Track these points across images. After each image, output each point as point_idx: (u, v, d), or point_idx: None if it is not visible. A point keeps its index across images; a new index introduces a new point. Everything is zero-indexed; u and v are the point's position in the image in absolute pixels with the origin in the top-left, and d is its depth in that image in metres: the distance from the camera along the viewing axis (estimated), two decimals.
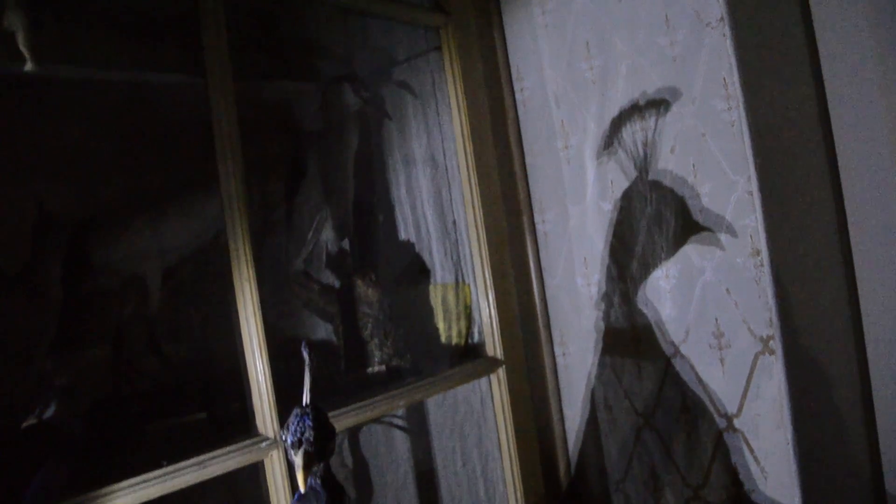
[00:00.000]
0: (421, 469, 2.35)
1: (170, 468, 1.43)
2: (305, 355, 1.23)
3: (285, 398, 1.60)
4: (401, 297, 2.25)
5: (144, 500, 1.41)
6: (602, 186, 2.13)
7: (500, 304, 2.10)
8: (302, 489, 1.18)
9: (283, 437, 1.21)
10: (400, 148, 2.31)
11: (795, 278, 1.90)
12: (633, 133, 2.06)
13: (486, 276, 2.09)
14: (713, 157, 1.92)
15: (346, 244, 2.18)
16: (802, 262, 1.92)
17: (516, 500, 2.19)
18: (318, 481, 1.21)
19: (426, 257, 2.29)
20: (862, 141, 1.92)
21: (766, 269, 1.86)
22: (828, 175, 1.97)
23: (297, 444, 1.18)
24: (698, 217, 1.97)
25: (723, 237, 1.93)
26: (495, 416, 2.16)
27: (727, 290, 1.94)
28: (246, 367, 1.59)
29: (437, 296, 2.24)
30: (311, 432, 1.19)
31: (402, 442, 2.40)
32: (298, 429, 1.19)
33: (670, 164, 2.00)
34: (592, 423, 2.23)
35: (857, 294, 1.98)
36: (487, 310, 2.09)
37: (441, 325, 2.22)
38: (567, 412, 2.28)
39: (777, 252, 1.86)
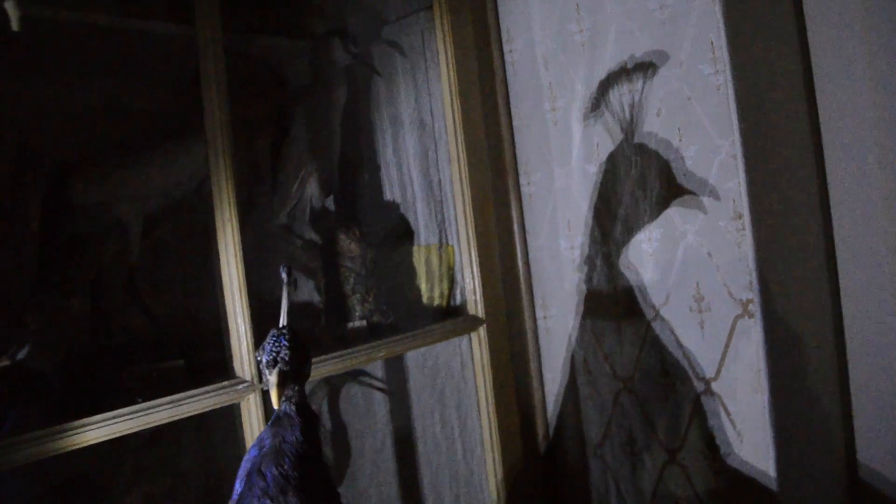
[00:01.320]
0: (400, 432, 2.36)
1: (144, 405, 1.42)
2: (283, 276, 1.23)
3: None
4: (384, 257, 2.24)
5: (117, 434, 1.40)
6: (588, 149, 2.13)
7: (483, 264, 2.10)
8: (276, 406, 1.18)
9: (259, 358, 1.21)
10: (388, 108, 2.31)
11: (776, 243, 1.91)
12: (621, 96, 2.06)
13: (470, 235, 2.09)
14: (699, 120, 1.93)
15: (330, 201, 2.18)
16: (784, 227, 1.93)
17: (494, 463, 2.20)
18: (293, 407, 1.21)
19: (411, 218, 2.29)
20: (845, 108, 1.94)
21: (748, 233, 1.87)
22: (811, 141, 1.98)
23: (273, 364, 1.18)
24: (682, 180, 1.98)
25: (706, 200, 1.94)
26: (475, 377, 2.16)
27: (708, 253, 1.95)
28: (225, 312, 1.58)
29: (420, 257, 2.24)
30: (287, 352, 1.18)
31: (381, 405, 2.40)
32: (274, 349, 1.19)
33: (656, 127, 2.00)
34: (572, 386, 2.24)
35: (836, 261, 2.00)
36: (470, 268, 2.09)
37: (423, 286, 2.22)
38: (547, 375, 2.28)
39: (759, 216, 1.87)
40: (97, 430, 1.37)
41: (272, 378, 1.17)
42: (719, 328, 1.95)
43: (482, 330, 2.08)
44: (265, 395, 1.54)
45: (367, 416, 2.38)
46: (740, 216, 1.88)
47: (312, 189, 2.07)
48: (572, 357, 2.22)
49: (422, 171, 2.25)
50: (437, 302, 2.22)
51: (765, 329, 1.88)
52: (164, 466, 2.13)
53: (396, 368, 2.37)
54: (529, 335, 2.26)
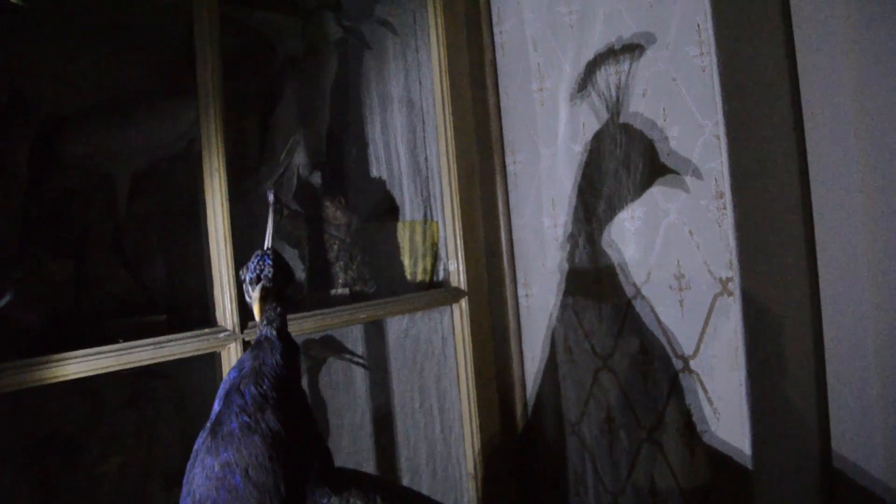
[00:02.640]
0: (379, 409, 2.36)
1: (126, 344, 1.43)
2: (270, 199, 1.24)
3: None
4: (369, 232, 2.26)
5: (98, 370, 1.40)
6: (574, 129, 2.16)
7: (467, 239, 2.12)
8: (258, 319, 1.19)
9: (242, 276, 1.22)
10: (377, 86, 2.33)
11: (757, 222, 1.95)
12: (607, 77, 2.09)
13: (455, 211, 2.11)
14: (683, 101, 1.96)
15: (317, 174, 2.19)
16: (764, 207, 1.97)
17: (472, 441, 2.20)
18: (274, 332, 1.22)
19: (396, 194, 2.30)
20: (828, 90, 1.98)
21: (729, 212, 1.90)
22: (793, 123, 2.02)
23: (256, 281, 1.18)
24: (666, 160, 2.01)
25: (688, 180, 1.97)
26: (455, 353, 2.17)
27: (690, 231, 1.98)
28: (210, 261, 1.59)
29: (404, 232, 2.25)
30: (271, 270, 1.19)
31: (361, 382, 2.41)
32: (258, 266, 1.20)
33: (641, 107, 2.04)
34: (551, 364, 2.25)
35: (815, 241, 2.03)
36: (454, 241, 2.11)
37: (407, 261, 2.23)
38: (527, 353, 2.30)
39: (740, 195, 1.90)
40: (78, 363, 1.36)
41: (255, 293, 1.17)
42: (699, 306, 1.98)
43: (464, 302, 2.09)
44: (246, 345, 1.55)
45: (347, 392, 2.39)
46: (722, 195, 1.91)
47: (300, 158, 2.08)
48: (553, 335, 2.24)
49: (409, 149, 2.27)
50: (420, 277, 2.24)
51: (743, 307, 1.91)
52: (142, 432, 2.12)
53: (377, 344, 2.38)
54: (510, 313, 2.28)
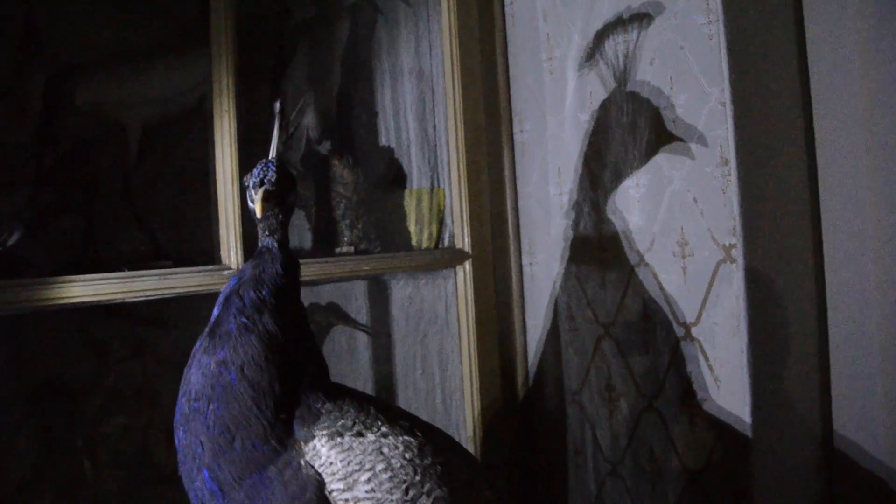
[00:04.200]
0: (381, 376, 2.37)
1: (131, 273, 1.45)
2: (276, 110, 1.26)
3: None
4: (376, 200, 2.28)
5: (103, 295, 1.42)
6: (581, 97, 2.18)
7: (473, 204, 2.14)
8: (259, 216, 1.20)
9: (246, 182, 1.24)
10: (388, 56, 2.36)
11: (761, 189, 1.95)
12: (615, 46, 2.11)
13: (461, 175, 2.12)
14: (690, 69, 1.98)
15: (326, 135, 2.22)
16: (769, 175, 1.98)
17: (472, 409, 2.21)
18: (276, 243, 1.24)
19: (404, 162, 2.33)
20: (835, 57, 1.99)
21: (734, 179, 1.91)
22: (799, 90, 2.03)
23: (259, 185, 1.20)
24: (671, 127, 2.02)
25: (693, 147, 1.99)
26: (458, 319, 2.18)
27: (694, 199, 1.99)
28: (216, 200, 1.61)
29: (411, 199, 2.27)
30: (274, 175, 1.21)
31: (364, 349, 2.42)
32: (262, 172, 1.22)
33: (648, 75, 2.05)
34: (554, 332, 2.26)
35: (820, 209, 2.04)
36: (459, 205, 2.12)
37: (413, 228, 2.25)
38: (530, 322, 2.31)
39: (745, 162, 1.91)
40: (84, 286, 1.39)
41: (257, 195, 1.19)
42: (701, 273, 1.98)
43: (468, 265, 2.11)
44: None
45: (351, 360, 2.40)
46: (727, 162, 1.92)
47: (309, 119, 2.11)
48: (556, 303, 2.25)
49: (418, 117, 2.29)
50: (425, 244, 2.26)
51: (746, 274, 1.91)
52: (145, 390, 2.14)
53: (381, 312, 2.40)
54: (514, 281, 2.29)
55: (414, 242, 2.26)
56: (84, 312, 2.00)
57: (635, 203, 2.09)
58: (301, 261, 1.76)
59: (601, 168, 2.15)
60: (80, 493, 2.00)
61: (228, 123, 1.59)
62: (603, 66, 2.13)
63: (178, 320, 1.95)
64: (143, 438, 2.16)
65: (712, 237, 1.96)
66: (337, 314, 2.39)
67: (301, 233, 2.16)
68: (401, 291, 2.36)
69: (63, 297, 1.37)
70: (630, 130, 2.09)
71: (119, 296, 1.43)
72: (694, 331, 2.01)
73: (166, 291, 1.48)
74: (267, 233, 1.24)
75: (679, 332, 2.03)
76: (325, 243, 2.08)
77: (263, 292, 1.20)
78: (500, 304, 2.26)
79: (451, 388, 2.26)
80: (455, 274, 2.14)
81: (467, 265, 2.11)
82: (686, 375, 2.02)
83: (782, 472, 1.98)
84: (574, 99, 2.19)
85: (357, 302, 2.46)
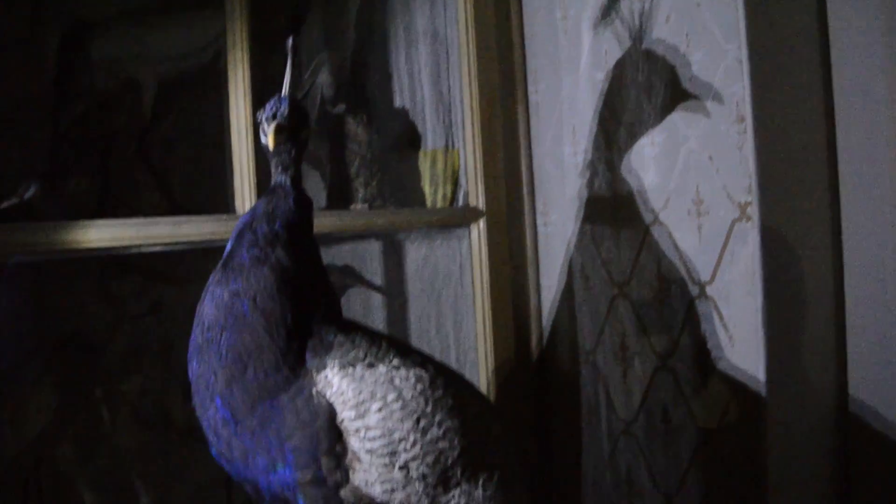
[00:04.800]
0: (396, 336, 2.39)
1: (146, 218, 1.46)
2: (289, 46, 1.27)
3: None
4: (391, 161, 2.29)
5: (118, 239, 1.43)
6: (596, 56, 2.17)
7: (487, 163, 2.14)
8: (271, 147, 1.21)
9: (259, 118, 1.24)
10: (402, 18, 2.36)
11: (778, 146, 1.93)
12: (631, 3, 2.10)
13: (476, 134, 2.12)
14: (706, 25, 1.96)
15: (341, 93, 2.22)
16: (786, 131, 1.96)
17: (486, 369, 2.22)
18: (288, 180, 1.25)
19: (419, 123, 2.33)
20: (855, 13, 1.97)
21: (749, 136, 1.89)
22: (818, 45, 2.00)
23: (272, 119, 1.21)
24: (687, 85, 2.01)
25: (709, 105, 1.97)
26: (472, 277, 2.18)
27: (710, 157, 1.97)
28: (231, 149, 1.62)
29: (426, 161, 2.27)
30: (287, 109, 1.22)
31: (379, 311, 2.43)
32: (274, 107, 1.23)
33: (664, 33, 2.04)
34: (568, 293, 2.26)
35: (838, 167, 2.02)
36: (473, 164, 2.12)
37: (427, 189, 2.25)
38: (544, 282, 2.31)
39: (761, 119, 1.89)
40: (99, 229, 1.40)
41: (270, 128, 1.20)
42: (716, 231, 1.97)
43: (482, 223, 2.11)
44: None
45: (366, 320, 2.41)
46: (742, 119, 1.91)
47: (324, 78, 2.11)
48: (570, 263, 2.25)
49: (432, 78, 2.29)
50: (440, 205, 2.26)
51: (762, 232, 1.89)
52: (161, 347, 2.17)
53: (395, 273, 2.41)
54: (529, 241, 2.29)
55: (428, 203, 2.27)
56: (101, 268, 2.03)
57: (650, 162, 2.08)
58: (316, 211, 1.78)
59: (616, 127, 2.14)
60: (99, 444, 2.03)
61: (242, 74, 1.60)
62: (618, 24, 2.12)
63: (193, 277, 1.97)
64: (160, 395, 2.19)
65: (728, 195, 1.95)
66: (352, 275, 2.41)
67: (316, 191, 2.17)
68: (415, 252, 2.37)
69: (79, 242, 1.38)
70: (645, 89, 2.07)
71: (134, 241, 1.44)
72: (708, 290, 2.00)
73: (181, 238, 1.49)
74: (280, 169, 1.25)
75: (693, 291, 2.02)
76: (339, 201, 2.09)
77: (276, 226, 1.21)
78: (515, 264, 2.26)
79: (465, 347, 2.27)
80: (469, 233, 2.14)
81: (481, 223, 2.11)
82: (700, 334, 2.02)
83: (796, 432, 1.98)
84: (589, 58, 2.18)
85: (372, 263, 2.48)
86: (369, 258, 2.49)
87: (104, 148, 1.93)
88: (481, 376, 2.23)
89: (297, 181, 1.25)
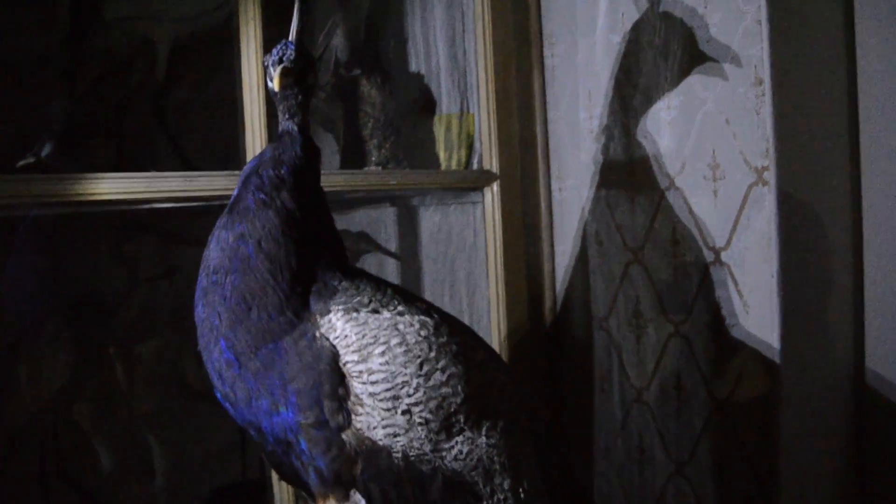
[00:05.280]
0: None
1: (158, 173, 1.47)
2: None
3: None
4: (406, 126, 2.28)
5: (130, 192, 1.44)
6: (613, 19, 2.14)
7: (501, 127, 2.12)
8: (276, 89, 1.21)
9: (265, 62, 1.25)
10: None
11: (796, 110, 1.90)
12: None
13: (490, 97, 2.11)
14: None
15: (355, 63, 2.21)
16: (805, 95, 1.92)
17: (499, 334, 2.21)
18: (296, 127, 1.25)
19: (434, 88, 2.32)
20: None
21: (767, 99, 1.86)
22: (841, 5, 1.96)
23: (278, 62, 1.21)
24: (705, 47, 1.98)
25: (727, 67, 1.94)
26: (486, 242, 2.18)
27: (727, 120, 1.95)
28: (243, 109, 1.62)
29: (440, 125, 2.26)
30: (293, 53, 1.22)
31: (393, 277, 2.44)
32: (280, 51, 1.22)
33: None
34: (582, 258, 2.25)
35: (858, 132, 1.98)
36: (487, 127, 2.11)
37: (442, 154, 2.24)
38: (558, 248, 2.30)
39: (780, 82, 1.86)
40: (111, 182, 1.41)
41: (276, 71, 1.20)
42: (732, 196, 1.95)
43: (496, 186, 2.10)
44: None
45: None
46: (761, 82, 1.88)
47: (338, 41, 2.10)
48: (585, 228, 2.23)
49: (447, 43, 2.28)
50: (454, 168, 2.25)
51: (778, 197, 1.87)
52: (174, 308, 2.19)
53: (410, 239, 2.41)
54: (543, 206, 2.28)
55: (443, 167, 2.26)
56: (117, 229, 2.05)
57: (666, 126, 2.06)
58: (327, 172, 1.78)
59: (632, 91, 2.11)
60: (116, 404, 2.06)
61: (254, 33, 1.60)
62: None
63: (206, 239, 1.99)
64: (175, 358, 2.21)
65: (744, 160, 1.92)
66: (367, 241, 2.41)
67: (329, 154, 2.17)
68: (430, 218, 2.36)
69: (91, 193, 1.39)
70: (662, 52, 2.05)
71: (145, 195, 1.45)
72: (723, 255, 1.98)
73: (192, 192, 1.50)
74: (287, 116, 1.25)
75: (708, 256, 2.00)
76: (353, 164, 2.09)
77: (282, 171, 1.21)
78: (529, 229, 2.25)
79: (478, 313, 2.27)
80: (483, 197, 2.13)
81: (495, 186, 2.10)
82: (714, 301, 2.00)
83: (810, 402, 1.96)
84: (606, 20, 2.15)
85: (387, 230, 2.48)
86: (384, 225, 2.49)
87: (119, 108, 1.94)
88: (494, 342, 2.23)
89: (304, 128, 1.25)
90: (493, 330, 2.22)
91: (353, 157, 2.09)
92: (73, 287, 2.03)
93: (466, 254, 2.30)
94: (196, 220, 1.93)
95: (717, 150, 1.97)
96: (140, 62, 1.91)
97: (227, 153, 1.89)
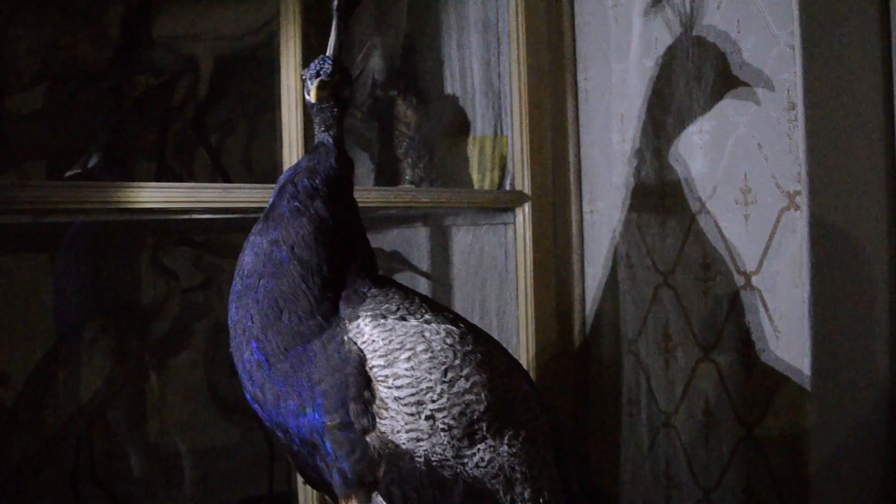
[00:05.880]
0: None
1: (196, 183, 1.52)
2: (335, 7, 1.31)
3: None
4: (440, 148, 2.32)
5: (169, 201, 1.49)
6: (646, 44, 2.16)
7: (534, 149, 2.15)
8: (313, 100, 1.25)
9: (303, 76, 1.28)
10: (454, 6, 2.39)
11: (829, 135, 1.90)
12: None
13: (523, 120, 2.14)
14: (758, 11, 1.94)
15: (392, 85, 2.26)
16: (838, 120, 1.92)
17: (527, 354, 2.22)
18: (331, 139, 1.28)
19: (468, 111, 2.35)
20: None
21: (800, 124, 1.87)
22: (877, 30, 1.96)
23: (315, 76, 1.25)
24: (738, 72, 1.99)
25: (760, 91, 1.95)
26: (517, 263, 2.19)
27: (759, 144, 1.95)
28: (281, 123, 1.67)
29: (474, 147, 2.29)
30: (330, 67, 1.26)
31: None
32: (318, 65, 1.27)
33: (716, 19, 2.02)
34: (612, 281, 2.25)
35: (895, 156, 1.97)
36: (520, 147, 2.13)
37: (475, 175, 2.27)
38: (588, 270, 2.30)
39: (813, 106, 1.86)
40: (152, 191, 1.46)
41: (313, 84, 1.24)
42: (764, 221, 1.94)
43: (527, 207, 2.12)
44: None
45: None
46: (794, 106, 1.88)
47: (375, 62, 2.15)
48: (615, 251, 2.24)
49: (483, 65, 2.32)
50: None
51: (810, 222, 1.86)
52: (209, 319, 2.23)
53: (441, 260, 2.43)
54: (575, 229, 2.29)
55: (476, 188, 2.29)
56: (157, 240, 2.11)
57: (698, 149, 2.07)
58: (361, 188, 1.82)
59: (664, 115, 2.13)
60: (148, 412, 2.10)
61: (294, 51, 1.65)
62: (669, 11, 2.11)
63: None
64: (207, 369, 2.26)
65: (776, 184, 1.92)
66: (400, 261, 2.45)
67: (364, 172, 2.22)
68: (462, 239, 2.39)
69: (133, 201, 1.44)
70: (695, 76, 2.06)
71: (185, 204, 1.50)
72: (754, 280, 1.97)
73: (229, 203, 1.54)
74: (322, 128, 1.29)
75: (739, 281, 2.00)
76: (387, 182, 2.13)
77: (316, 181, 1.25)
78: (560, 251, 2.27)
79: (507, 333, 2.28)
80: (514, 218, 2.15)
81: (526, 207, 2.12)
82: (745, 326, 1.99)
83: (841, 429, 1.93)
84: (639, 45, 2.18)
85: (419, 250, 2.51)
86: (417, 245, 2.52)
87: (162, 123, 2.01)
88: (522, 361, 2.23)
89: (338, 141, 1.29)
90: (522, 350, 2.23)
91: (388, 176, 2.13)
92: (113, 295, 2.08)
93: (497, 274, 2.31)
94: (233, 233, 1.99)
95: (749, 174, 1.97)
96: (184, 79, 1.97)
97: (264, 169, 1.94)
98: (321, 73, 1.25)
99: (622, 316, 2.24)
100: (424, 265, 2.48)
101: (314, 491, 1.78)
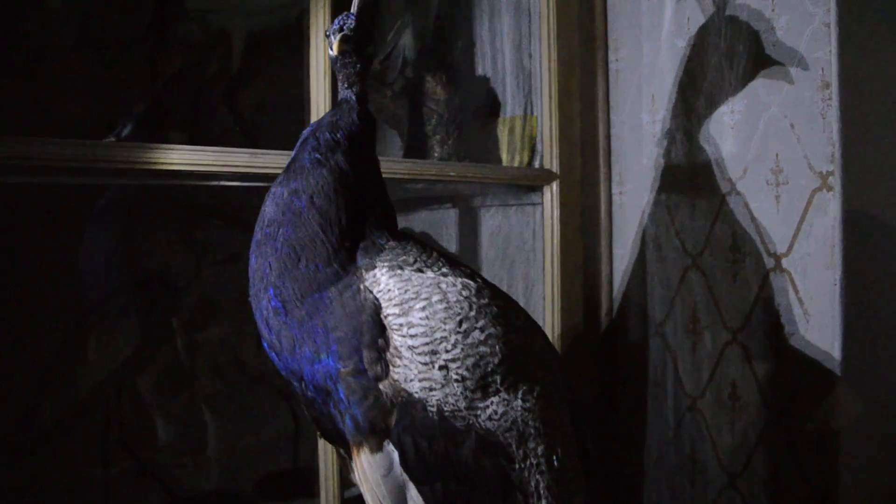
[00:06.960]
0: None
1: (226, 148, 1.54)
2: None
3: None
4: (470, 128, 2.32)
5: (198, 164, 1.52)
6: (678, 23, 2.15)
7: (563, 128, 2.14)
8: (335, 53, 1.26)
9: (327, 33, 1.30)
10: None
11: (864, 115, 1.87)
12: None
13: (553, 99, 2.13)
14: None
15: (423, 63, 2.27)
16: (873, 99, 1.89)
17: (553, 334, 2.21)
18: (354, 96, 1.30)
19: (499, 90, 2.36)
20: None
21: (834, 103, 1.84)
22: None
23: (339, 31, 1.26)
24: (770, 51, 1.96)
25: (793, 71, 1.92)
26: (544, 243, 2.19)
27: (791, 124, 1.92)
28: (309, 96, 1.69)
29: (504, 128, 2.29)
30: (353, 22, 1.27)
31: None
32: (341, 20, 1.28)
33: None
34: (640, 263, 2.23)
35: None
36: (549, 126, 2.13)
37: (505, 156, 2.27)
38: (616, 252, 2.29)
39: (848, 85, 1.83)
40: (181, 153, 1.49)
41: (337, 37, 1.25)
42: (795, 202, 1.92)
43: (555, 186, 2.11)
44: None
45: None
46: (828, 86, 1.85)
47: (406, 41, 2.17)
48: (644, 233, 2.22)
49: (514, 46, 2.32)
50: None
51: (843, 203, 1.83)
52: (238, 294, 2.26)
53: (470, 240, 2.44)
54: (603, 210, 2.28)
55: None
56: (186, 213, 2.14)
57: (729, 130, 2.04)
58: (389, 159, 1.83)
59: (696, 95, 2.11)
60: (176, 383, 2.13)
61: (323, 23, 1.66)
62: None
63: None
64: (235, 340, 2.28)
65: (809, 164, 1.89)
66: (429, 242, 2.45)
67: (394, 149, 2.23)
68: (490, 220, 2.39)
69: (163, 162, 1.47)
70: (727, 56, 2.04)
71: (212, 167, 1.52)
72: (784, 262, 1.94)
73: (256, 169, 1.56)
74: (346, 84, 1.30)
75: (769, 263, 1.97)
76: (415, 157, 2.13)
77: (338, 135, 1.26)
78: (587, 231, 2.25)
79: (534, 314, 2.26)
80: (542, 198, 2.15)
81: (554, 186, 2.11)
82: (774, 308, 1.96)
83: (872, 415, 1.89)
84: (671, 25, 2.16)
85: (448, 231, 2.52)
86: (445, 226, 2.53)
87: (194, 95, 2.04)
88: None
89: (361, 97, 1.30)
90: (549, 330, 2.22)
91: (417, 153, 2.14)
92: (144, 265, 2.12)
93: (525, 255, 2.31)
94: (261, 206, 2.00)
95: (781, 155, 1.94)
96: (216, 53, 2.00)
97: (293, 142, 1.96)
98: (344, 27, 1.26)
99: (650, 298, 2.22)
100: (453, 246, 2.49)
101: (334, 464, 1.79)
